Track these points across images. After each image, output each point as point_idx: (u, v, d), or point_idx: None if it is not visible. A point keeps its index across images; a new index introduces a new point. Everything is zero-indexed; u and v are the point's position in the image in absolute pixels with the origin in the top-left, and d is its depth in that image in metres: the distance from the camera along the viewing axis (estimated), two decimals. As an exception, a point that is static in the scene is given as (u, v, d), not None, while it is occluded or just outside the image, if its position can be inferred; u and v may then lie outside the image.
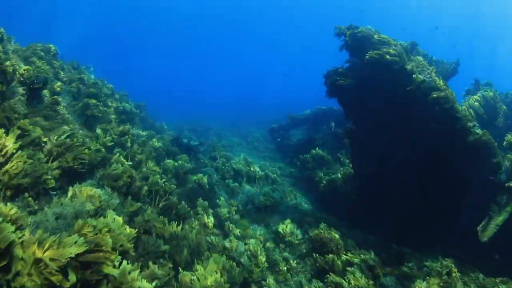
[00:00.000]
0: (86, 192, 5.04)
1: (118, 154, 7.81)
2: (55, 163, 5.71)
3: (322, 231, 7.27)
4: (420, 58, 9.84)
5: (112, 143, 8.71)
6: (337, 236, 7.36)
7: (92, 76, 15.17)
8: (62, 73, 12.14)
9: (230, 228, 7.39)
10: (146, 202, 6.93)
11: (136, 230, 4.84)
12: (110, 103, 11.26)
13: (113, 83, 15.97)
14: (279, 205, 10.85)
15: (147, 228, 5.49)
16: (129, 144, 8.58)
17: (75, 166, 5.79)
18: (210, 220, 7.22)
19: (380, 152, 9.68)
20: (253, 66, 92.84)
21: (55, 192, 5.97)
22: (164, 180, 7.99)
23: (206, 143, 18.59)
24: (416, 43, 12.46)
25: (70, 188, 5.47)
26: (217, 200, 9.16)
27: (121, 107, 11.78)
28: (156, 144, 10.69)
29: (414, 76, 8.53)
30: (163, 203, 6.85)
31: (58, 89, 9.98)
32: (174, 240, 5.87)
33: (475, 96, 11.88)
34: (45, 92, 10.35)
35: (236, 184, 11.01)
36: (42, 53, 11.86)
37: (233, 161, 14.41)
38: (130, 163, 7.84)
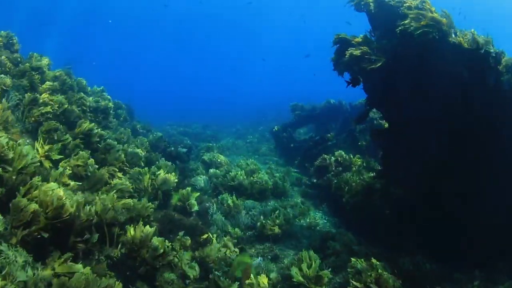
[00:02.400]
0: None
1: (61, 169, 5.37)
2: None
3: (368, 279, 4.80)
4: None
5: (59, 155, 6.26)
6: (391, 282, 4.90)
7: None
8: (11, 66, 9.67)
9: (222, 285, 4.87)
10: (96, 247, 4.50)
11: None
12: (71, 99, 8.80)
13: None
14: (290, 225, 8.42)
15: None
16: (83, 154, 6.09)
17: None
18: (193, 270, 4.79)
19: (426, 155, 7.28)
20: (248, 66, 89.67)
21: None
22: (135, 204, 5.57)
23: (199, 147, 16.16)
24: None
25: None
26: (211, 227, 6.77)
27: (90, 103, 9.33)
28: (131, 150, 8.19)
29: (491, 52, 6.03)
30: (120, 248, 4.42)
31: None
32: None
33: None
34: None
35: (235, 199, 8.55)
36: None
37: (232, 168, 11.96)
38: (79, 183, 5.40)
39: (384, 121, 13.53)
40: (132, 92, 39.32)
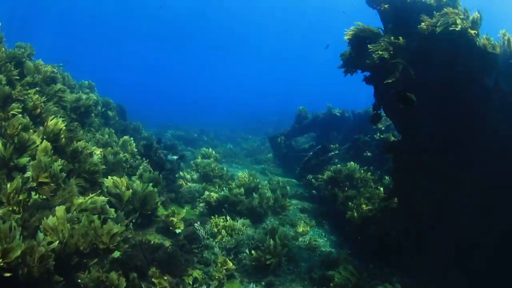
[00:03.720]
0: None
1: (20, 179, 4.47)
2: None
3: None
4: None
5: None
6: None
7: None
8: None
9: None
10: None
11: None
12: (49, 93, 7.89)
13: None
14: (288, 249, 7.47)
15: None
16: (43, 159, 5.14)
17: None
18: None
19: (443, 172, 6.41)
20: (249, 74, 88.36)
21: None
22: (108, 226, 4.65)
23: (194, 153, 15.22)
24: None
25: None
26: (202, 253, 5.82)
27: (70, 99, 8.39)
28: (111, 157, 7.24)
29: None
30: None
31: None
32: None
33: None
34: None
35: (230, 222, 7.54)
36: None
37: (229, 180, 10.99)
38: (42, 195, 4.49)
39: (389, 133, 12.72)
40: (131, 94, 38.46)
